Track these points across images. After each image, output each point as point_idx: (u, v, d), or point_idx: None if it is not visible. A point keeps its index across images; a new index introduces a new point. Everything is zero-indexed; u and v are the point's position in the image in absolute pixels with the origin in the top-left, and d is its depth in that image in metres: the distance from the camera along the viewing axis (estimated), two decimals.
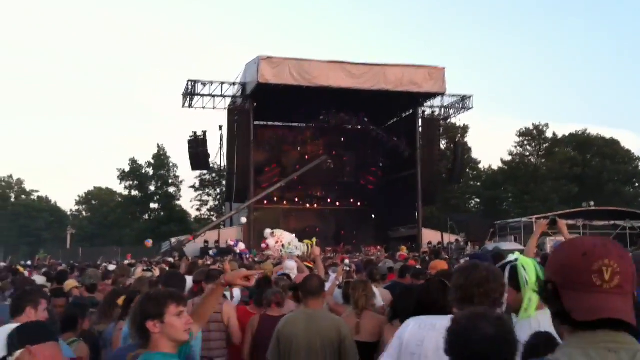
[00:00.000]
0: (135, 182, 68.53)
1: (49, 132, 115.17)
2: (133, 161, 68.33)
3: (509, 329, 2.29)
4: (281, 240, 34.75)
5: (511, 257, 3.61)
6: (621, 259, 1.63)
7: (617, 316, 1.57)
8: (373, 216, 49.20)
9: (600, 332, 1.61)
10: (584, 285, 1.61)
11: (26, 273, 15.71)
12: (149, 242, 39.28)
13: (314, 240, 10.64)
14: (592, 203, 44.24)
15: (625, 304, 1.60)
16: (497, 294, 3.17)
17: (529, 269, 3.43)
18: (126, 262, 24.28)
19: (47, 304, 4.66)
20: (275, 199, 45.53)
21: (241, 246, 35.87)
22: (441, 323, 2.90)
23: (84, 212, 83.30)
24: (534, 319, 3.25)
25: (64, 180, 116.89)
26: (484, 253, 7.40)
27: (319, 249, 9.44)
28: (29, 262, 30.89)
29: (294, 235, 36.32)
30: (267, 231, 35.67)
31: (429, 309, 3.75)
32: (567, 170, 62.92)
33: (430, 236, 41.46)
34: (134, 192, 69.36)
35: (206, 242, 38.57)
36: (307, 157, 46.20)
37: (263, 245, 34.68)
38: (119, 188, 72.47)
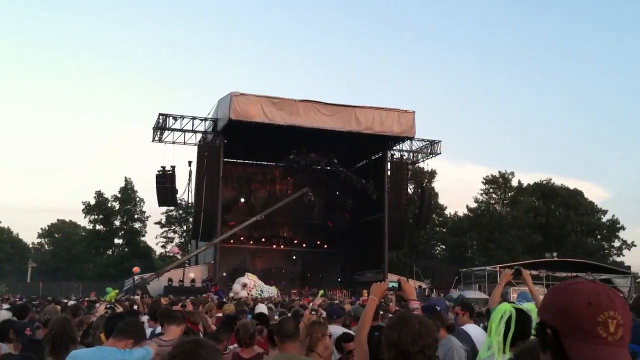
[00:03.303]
0: (101, 216, 67.51)
1: (13, 162, 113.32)
2: (99, 194, 67.43)
3: None
4: (252, 285, 34.77)
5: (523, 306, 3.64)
6: (624, 310, 1.59)
7: None
8: (339, 259, 49.10)
9: None
10: (589, 336, 1.56)
11: None
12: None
13: (321, 292, 10.55)
14: (555, 254, 44.80)
15: (627, 357, 1.58)
16: (432, 351, 3.02)
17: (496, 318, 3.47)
18: (87, 299, 23.83)
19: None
20: (242, 238, 45.27)
21: None
22: None
23: (46, 245, 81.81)
24: None
25: (27, 212, 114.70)
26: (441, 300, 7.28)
27: (320, 300, 9.20)
28: None
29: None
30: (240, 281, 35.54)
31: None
32: (531, 219, 63.65)
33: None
34: (99, 227, 68.24)
35: (170, 280, 38.04)
36: (275, 196, 46.19)
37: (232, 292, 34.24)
38: (84, 222, 71.37)
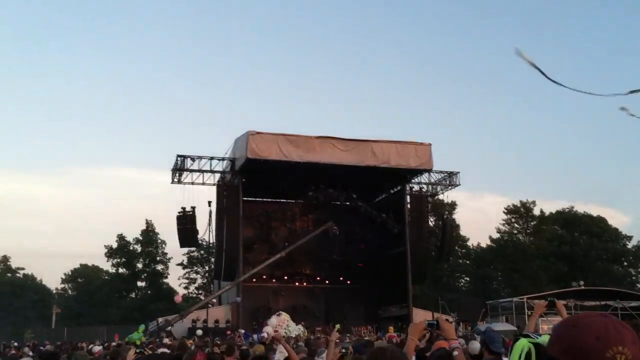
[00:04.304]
0: (123, 259, 67.83)
1: (34, 208, 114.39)
2: (121, 238, 67.83)
3: None
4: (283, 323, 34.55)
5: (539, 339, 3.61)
6: (634, 345, 1.58)
7: None
8: (363, 294, 48.75)
9: None
10: None
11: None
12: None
13: (337, 326, 10.49)
14: (582, 282, 44.26)
15: None
16: None
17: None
18: (113, 343, 23.85)
19: None
20: (264, 276, 45.14)
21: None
22: None
23: (69, 290, 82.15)
24: None
25: (50, 258, 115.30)
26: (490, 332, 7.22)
27: (337, 335, 9.24)
28: (15, 343, 30.32)
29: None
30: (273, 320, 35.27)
31: None
32: (555, 248, 63.04)
33: (421, 316, 41.02)
34: (121, 270, 68.54)
35: (194, 321, 37.98)
36: (295, 233, 46.20)
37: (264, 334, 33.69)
38: (106, 265, 71.66)
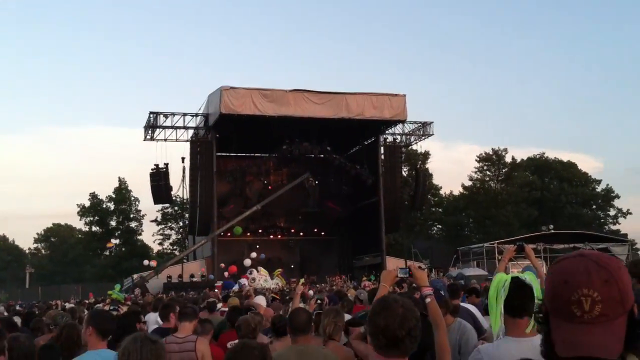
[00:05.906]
0: (96, 217, 67.31)
1: (4, 169, 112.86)
2: (93, 196, 67.18)
3: None
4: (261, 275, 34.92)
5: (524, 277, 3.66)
6: (606, 285, 1.54)
7: (595, 354, 1.52)
8: (337, 245, 49.18)
9: None
10: (565, 314, 1.56)
11: None
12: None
13: (302, 280, 10.58)
14: (551, 226, 45.01)
15: (606, 334, 1.53)
16: (417, 332, 2.96)
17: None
18: (87, 301, 23.89)
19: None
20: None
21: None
22: None
23: (43, 250, 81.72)
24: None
25: (22, 218, 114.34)
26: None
27: (301, 288, 9.34)
28: None
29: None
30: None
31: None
32: (527, 194, 63.82)
33: (394, 264, 41.58)
34: (95, 228, 68.06)
35: (169, 277, 38.06)
36: (270, 187, 46.20)
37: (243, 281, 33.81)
38: (79, 224, 71.17)
